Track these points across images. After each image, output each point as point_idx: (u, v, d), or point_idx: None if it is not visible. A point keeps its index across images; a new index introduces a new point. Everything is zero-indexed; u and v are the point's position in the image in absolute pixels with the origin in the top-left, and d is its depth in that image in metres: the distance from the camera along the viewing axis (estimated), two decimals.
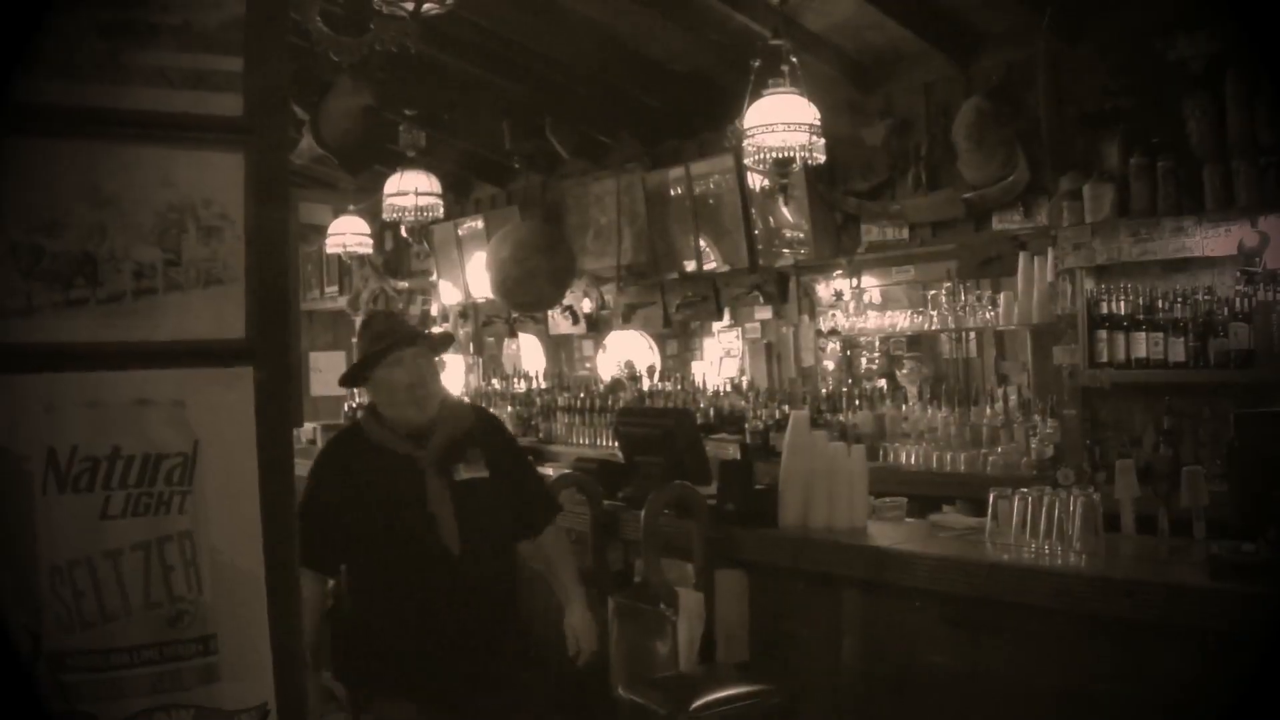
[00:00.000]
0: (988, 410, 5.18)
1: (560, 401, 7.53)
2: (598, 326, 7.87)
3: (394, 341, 3.04)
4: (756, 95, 4.46)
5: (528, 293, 7.41)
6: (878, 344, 6.02)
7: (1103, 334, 4.58)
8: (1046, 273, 4.93)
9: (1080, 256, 4.64)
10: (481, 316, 8.89)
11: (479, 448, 3.10)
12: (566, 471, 4.46)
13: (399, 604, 2.97)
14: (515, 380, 8.33)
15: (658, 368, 7.21)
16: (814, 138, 4.44)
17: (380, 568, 3.00)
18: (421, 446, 3.02)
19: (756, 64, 4.47)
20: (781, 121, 4.40)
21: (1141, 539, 3.14)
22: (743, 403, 6.31)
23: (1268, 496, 2.54)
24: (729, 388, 6.59)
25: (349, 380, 3.39)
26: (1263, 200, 4.13)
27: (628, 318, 7.59)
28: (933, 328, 5.57)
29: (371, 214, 7.74)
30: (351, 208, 8.00)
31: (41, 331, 1.42)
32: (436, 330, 7.91)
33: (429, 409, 3.05)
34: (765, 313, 6.68)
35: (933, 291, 5.60)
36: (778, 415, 5.82)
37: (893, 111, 5.76)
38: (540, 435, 7.56)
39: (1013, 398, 5.15)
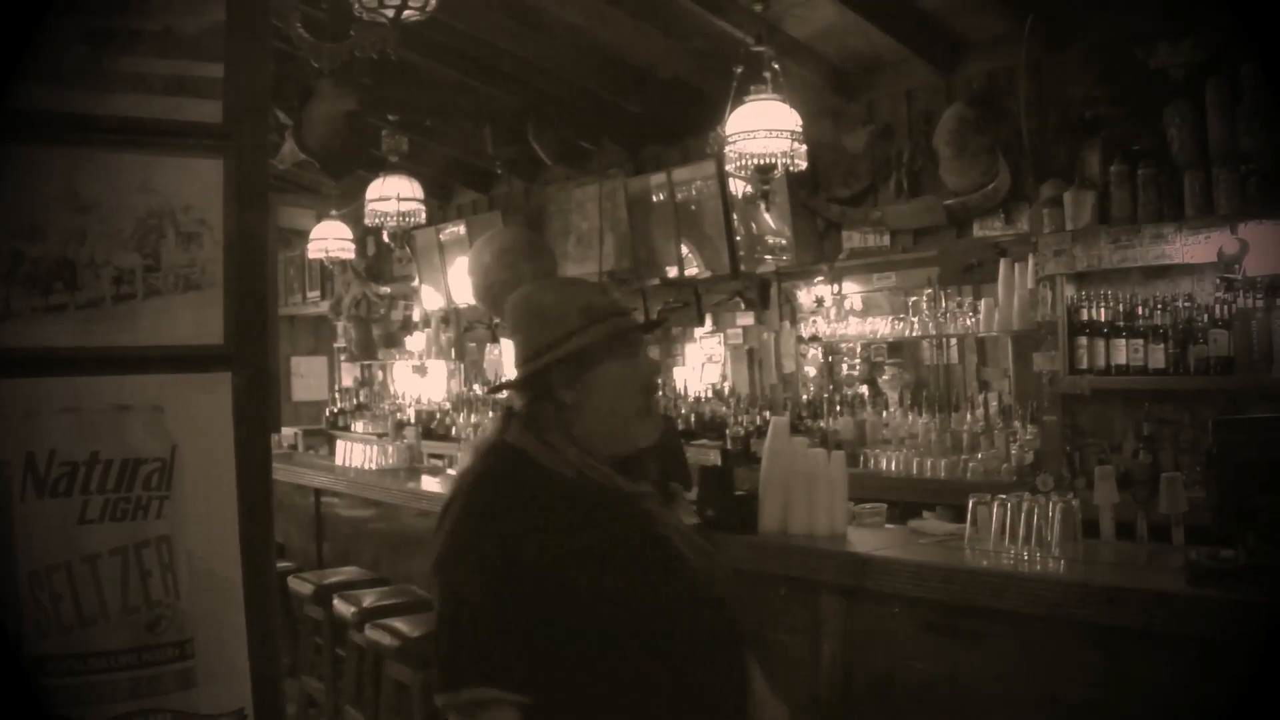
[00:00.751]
0: (968, 416, 5.20)
1: None
2: None
3: (626, 325, 2.01)
4: (739, 102, 4.48)
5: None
6: (859, 350, 6.04)
7: (1083, 340, 4.60)
8: (1027, 279, 4.95)
9: (1061, 263, 4.66)
10: (463, 322, 8.88)
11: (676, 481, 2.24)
12: None
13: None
14: None
15: None
16: (795, 144, 4.47)
17: (626, 673, 1.84)
18: (638, 479, 1.99)
19: (739, 71, 4.49)
20: (763, 128, 4.43)
21: (1120, 545, 3.15)
22: (724, 408, 6.33)
23: (1246, 503, 2.56)
24: (710, 394, 6.60)
25: (534, 380, 1.97)
26: (1243, 207, 4.16)
27: None
28: (914, 334, 5.59)
29: (354, 219, 7.73)
30: (334, 212, 7.99)
31: (21, 337, 1.43)
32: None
33: (657, 427, 2.03)
34: (747, 319, 6.69)
35: (914, 298, 5.62)
36: (758, 421, 5.83)
37: (875, 118, 5.79)
38: None
39: (993, 404, 5.18)
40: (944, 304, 5.44)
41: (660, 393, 1.98)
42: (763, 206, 5.55)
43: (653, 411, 2.01)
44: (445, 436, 7.76)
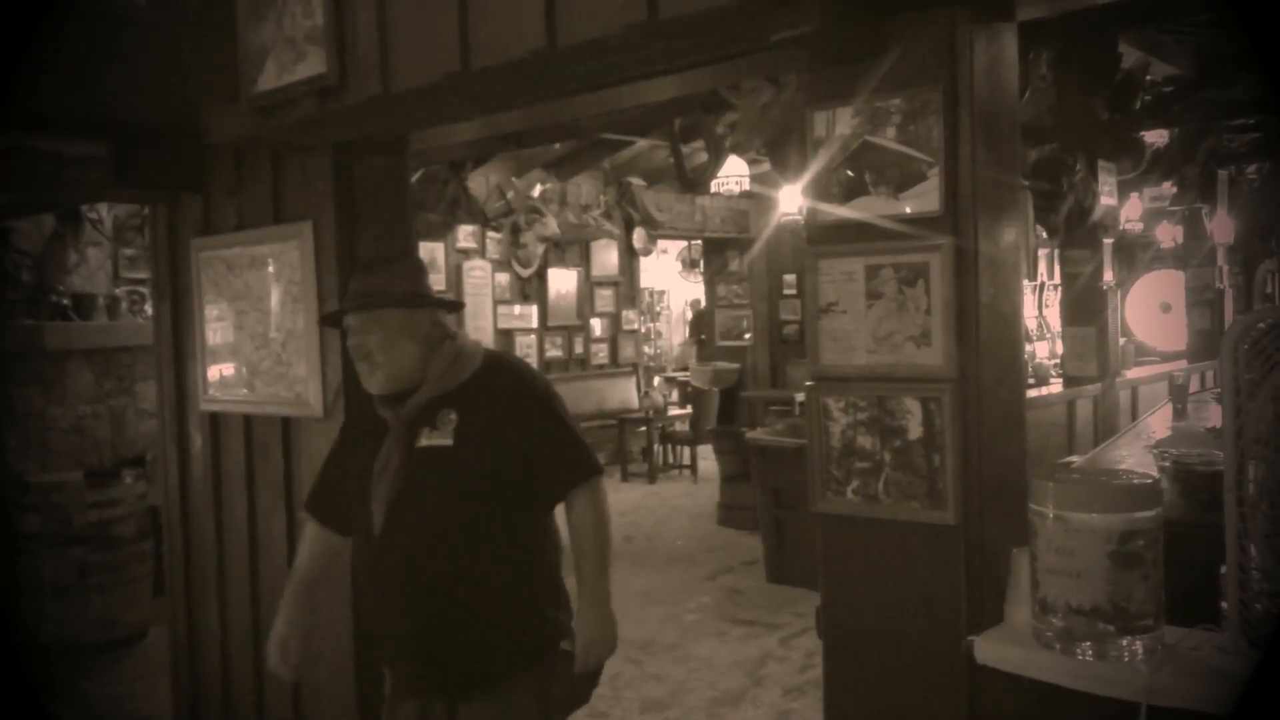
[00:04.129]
0: None
1: None
2: None
3: (343, 308, 2.65)
4: None
5: None
6: None
7: None
8: None
9: None
10: None
11: (460, 410, 2.53)
12: None
13: (361, 587, 2.79)
14: None
15: None
16: None
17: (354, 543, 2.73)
18: (397, 407, 2.56)
19: None
20: None
21: None
22: None
23: None
24: None
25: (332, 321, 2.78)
26: None
27: None
28: None
29: None
30: None
31: None
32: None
33: (373, 381, 2.56)
34: None
35: None
36: None
37: None
38: None
39: None
40: None
41: (365, 360, 2.58)
42: None
43: (363, 371, 2.57)
44: None
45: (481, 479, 2.52)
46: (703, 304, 16.18)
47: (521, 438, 2.55)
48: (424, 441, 2.52)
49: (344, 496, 2.68)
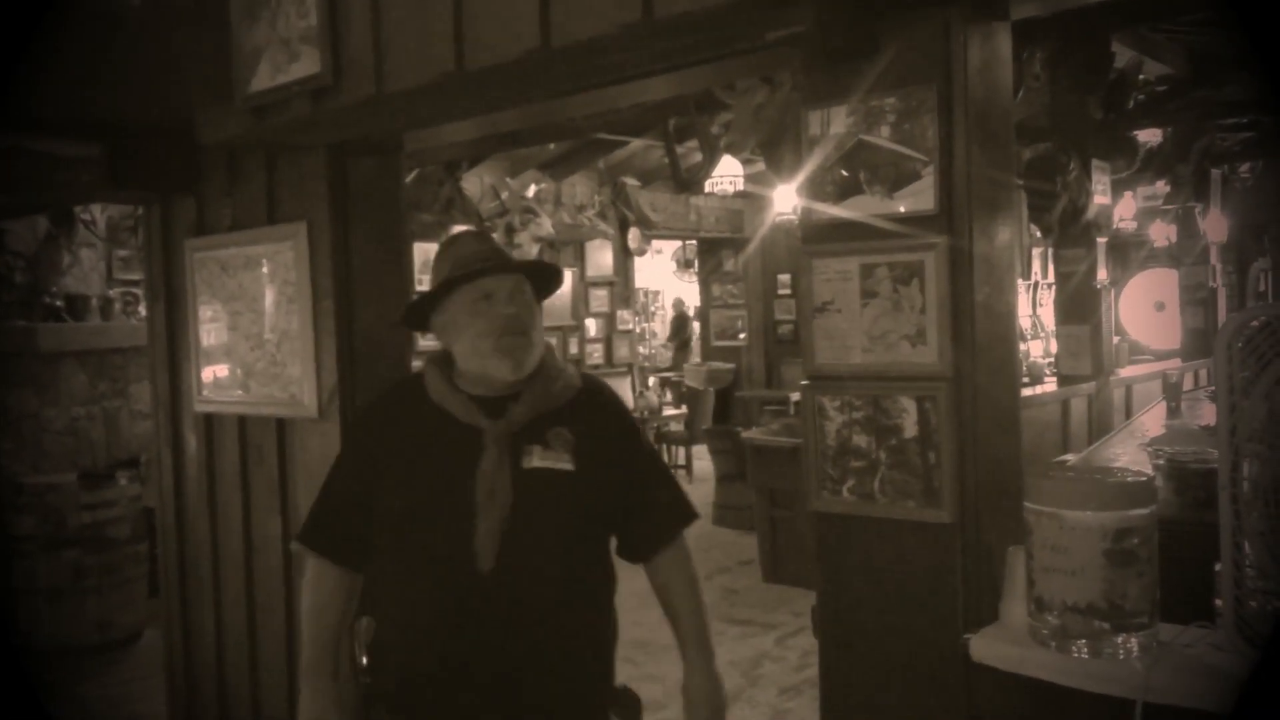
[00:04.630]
0: None
1: None
2: None
3: (485, 267, 2.20)
4: None
5: None
6: None
7: None
8: None
9: None
10: None
11: (573, 430, 2.18)
12: None
13: (413, 628, 2.14)
14: None
15: None
16: None
17: (401, 572, 2.17)
18: (496, 416, 2.16)
19: None
20: None
21: None
22: None
23: None
24: None
25: (415, 316, 2.31)
26: None
27: None
28: None
29: None
30: None
31: None
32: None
33: (525, 364, 2.17)
34: None
35: None
36: None
37: None
38: None
39: None
40: None
41: (520, 334, 2.18)
42: None
43: (503, 349, 2.15)
44: None
45: (596, 515, 2.22)
46: (685, 305, 16.12)
47: (626, 475, 2.27)
48: (536, 462, 2.14)
49: (360, 523, 2.23)
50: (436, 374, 2.24)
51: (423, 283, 9.75)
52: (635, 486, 2.28)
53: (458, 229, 10.23)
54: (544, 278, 2.33)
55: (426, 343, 11.58)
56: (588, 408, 2.25)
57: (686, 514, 2.37)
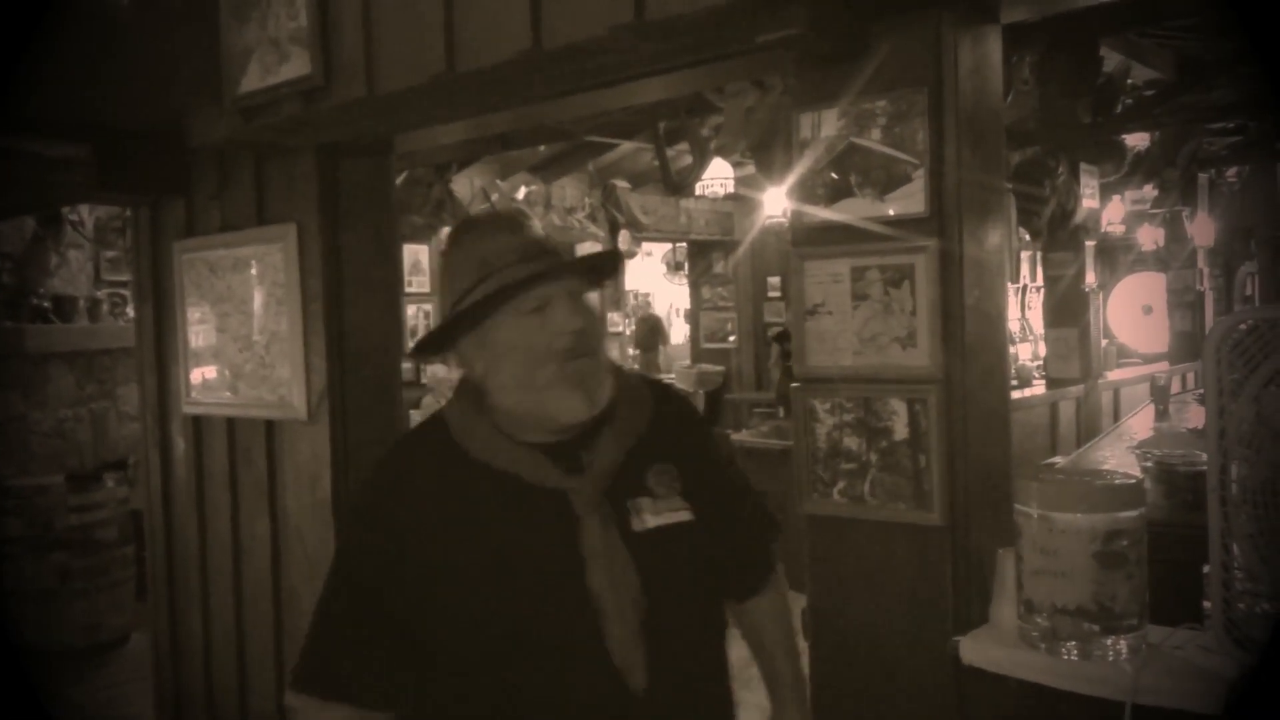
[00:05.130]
0: None
1: None
2: None
3: (539, 271, 1.57)
4: None
5: None
6: None
7: None
8: None
9: None
10: None
11: (673, 460, 1.66)
12: None
13: None
14: None
15: None
16: None
17: (495, 711, 1.53)
18: (572, 468, 1.57)
19: None
20: None
21: None
22: None
23: None
24: None
25: (434, 342, 1.67)
26: None
27: None
28: None
29: None
30: None
31: None
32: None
33: (598, 395, 1.58)
34: None
35: None
36: None
37: None
38: None
39: None
40: None
41: (590, 355, 1.55)
42: None
43: (571, 379, 1.55)
44: None
45: (717, 569, 1.71)
46: (652, 309, 15.88)
47: (725, 502, 1.77)
48: (651, 520, 1.58)
49: (388, 648, 1.58)
50: (472, 418, 1.63)
51: (413, 285, 9.77)
52: (735, 516, 1.80)
53: (446, 232, 10.24)
54: (602, 270, 1.72)
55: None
56: (668, 423, 1.71)
57: (776, 532, 1.93)
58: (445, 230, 10.20)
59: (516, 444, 1.59)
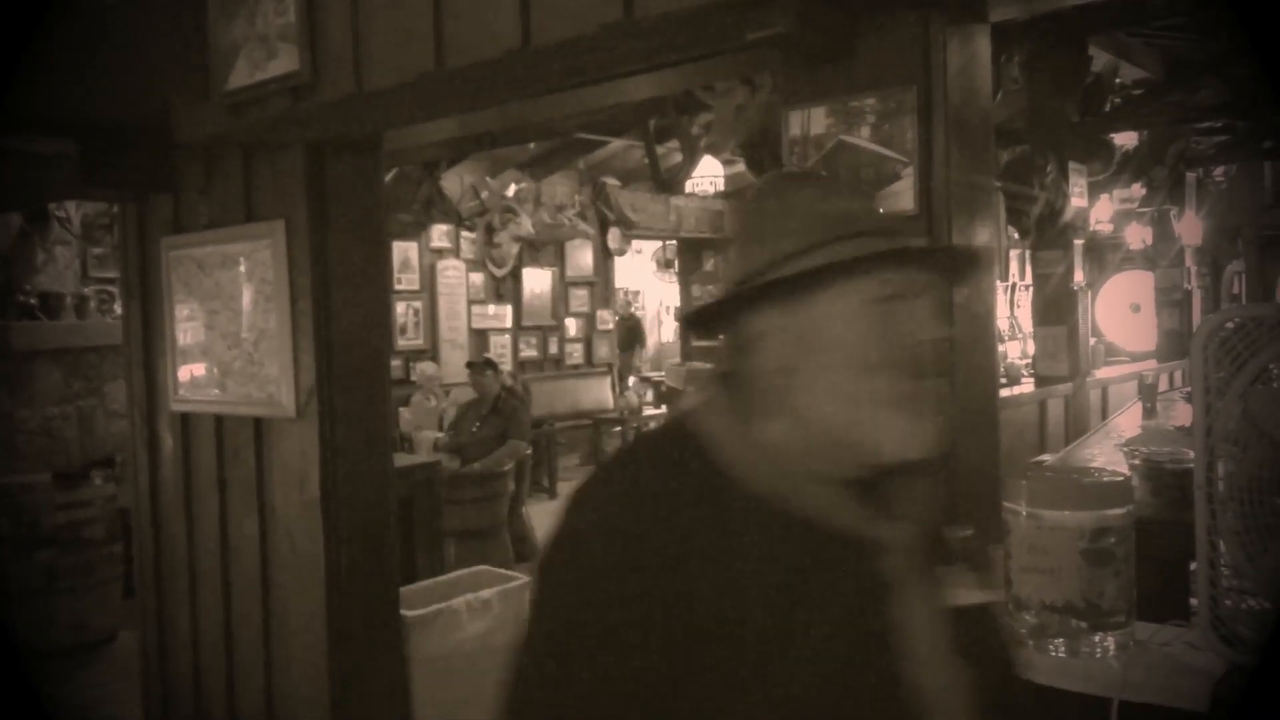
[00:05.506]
0: None
1: None
2: None
3: (902, 248, 1.15)
4: None
5: None
6: None
7: None
8: None
9: None
10: None
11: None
12: None
13: None
14: None
15: None
16: None
17: None
18: (885, 516, 1.17)
19: None
20: None
21: None
22: None
23: None
24: None
25: (723, 314, 1.18)
26: None
27: None
28: None
29: None
30: None
31: None
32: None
33: (943, 429, 1.15)
34: None
35: None
36: None
37: None
38: None
39: None
40: None
41: (944, 376, 1.08)
42: None
43: (914, 402, 1.12)
44: None
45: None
46: (632, 308, 15.75)
47: None
48: (961, 595, 1.22)
49: None
50: (749, 436, 1.15)
51: (402, 282, 9.74)
52: None
53: (435, 229, 10.20)
54: (964, 270, 1.35)
55: (406, 341, 11.57)
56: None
57: None
58: (435, 228, 10.20)
59: (823, 481, 1.15)
